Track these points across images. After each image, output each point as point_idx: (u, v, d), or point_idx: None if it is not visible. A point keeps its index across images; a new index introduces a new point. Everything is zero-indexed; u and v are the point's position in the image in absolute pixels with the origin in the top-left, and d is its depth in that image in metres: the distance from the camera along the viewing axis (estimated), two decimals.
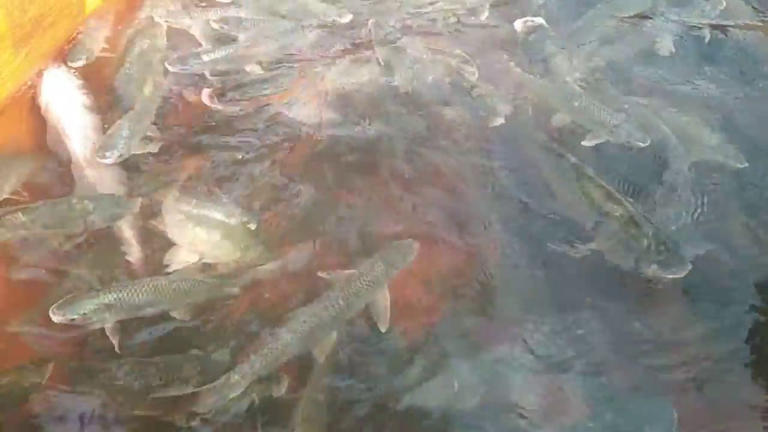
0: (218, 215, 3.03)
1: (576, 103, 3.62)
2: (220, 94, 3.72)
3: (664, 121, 3.58)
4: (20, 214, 2.97)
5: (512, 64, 3.94)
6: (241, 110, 3.68)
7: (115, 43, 4.03)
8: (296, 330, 2.60)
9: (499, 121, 3.57)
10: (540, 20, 4.30)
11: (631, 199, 3.17)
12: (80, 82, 3.70)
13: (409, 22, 4.36)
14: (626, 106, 3.66)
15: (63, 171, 3.31)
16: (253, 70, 3.92)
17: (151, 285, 2.73)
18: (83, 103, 3.59)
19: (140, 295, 2.69)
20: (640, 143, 3.42)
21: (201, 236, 2.96)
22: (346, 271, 2.83)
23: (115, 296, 2.66)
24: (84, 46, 3.86)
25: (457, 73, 3.91)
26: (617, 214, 3.05)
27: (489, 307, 2.90)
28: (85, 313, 2.61)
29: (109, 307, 2.64)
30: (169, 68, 3.83)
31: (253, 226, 3.02)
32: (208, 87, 3.75)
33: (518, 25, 4.26)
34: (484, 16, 4.38)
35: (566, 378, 2.67)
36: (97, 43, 3.95)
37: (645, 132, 3.46)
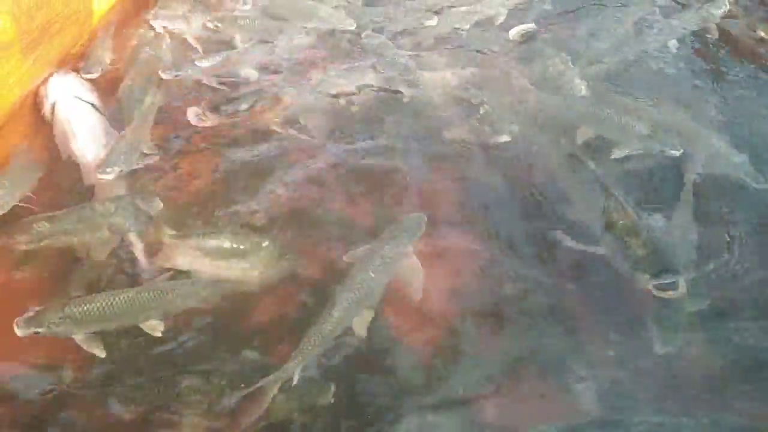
0: (229, 243, 2.97)
1: (601, 116, 3.56)
2: (211, 109, 3.60)
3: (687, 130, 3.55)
4: (44, 222, 3.00)
5: (525, 80, 3.87)
6: (234, 125, 3.59)
7: (123, 52, 4.06)
8: (342, 305, 2.64)
9: (504, 138, 3.51)
10: (533, 27, 4.28)
11: (639, 210, 3.15)
12: (87, 85, 3.74)
13: (414, 30, 4.35)
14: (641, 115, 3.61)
15: (73, 174, 3.34)
16: (249, 75, 3.89)
17: (119, 296, 2.70)
18: (91, 106, 3.62)
19: (108, 307, 2.67)
20: (674, 152, 3.38)
21: (220, 266, 2.91)
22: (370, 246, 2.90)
23: (81, 308, 2.64)
24: (96, 58, 3.91)
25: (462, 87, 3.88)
26: (621, 222, 3.05)
27: (496, 315, 2.89)
28: (49, 326, 2.59)
29: (74, 319, 2.62)
30: (163, 76, 3.81)
31: (265, 244, 2.99)
32: (193, 105, 3.64)
33: (513, 33, 4.25)
34: (498, 21, 4.39)
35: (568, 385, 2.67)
36: (108, 53, 3.99)
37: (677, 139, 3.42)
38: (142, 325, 2.71)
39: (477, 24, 4.39)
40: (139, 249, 2.99)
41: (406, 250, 2.92)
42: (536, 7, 4.55)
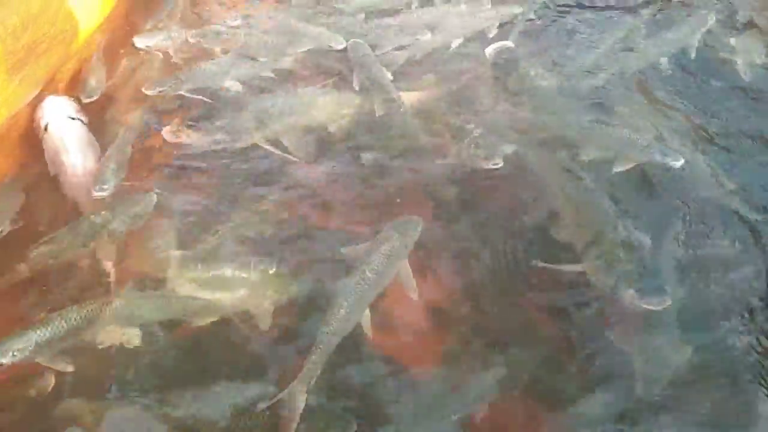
0: (235, 271, 2.92)
1: (601, 132, 3.55)
2: (187, 126, 3.55)
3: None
4: (45, 245, 2.98)
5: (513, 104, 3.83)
6: (215, 142, 3.51)
7: (114, 71, 4.07)
8: (348, 306, 2.69)
9: (498, 162, 3.40)
10: (509, 44, 4.27)
11: (628, 224, 3.10)
12: (77, 105, 3.75)
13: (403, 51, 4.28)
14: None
15: (60, 193, 3.32)
16: (232, 88, 3.87)
17: (80, 313, 2.66)
18: (82, 123, 3.63)
19: (72, 325, 2.62)
20: (675, 163, 3.36)
21: (227, 296, 2.86)
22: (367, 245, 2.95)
23: (44, 331, 2.59)
24: (96, 81, 3.93)
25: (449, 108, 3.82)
26: (608, 236, 3.01)
27: (481, 333, 2.86)
28: (14, 355, 2.53)
29: (39, 343, 2.57)
30: (146, 92, 3.79)
31: (272, 270, 2.95)
32: (169, 122, 3.59)
33: (489, 51, 4.22)
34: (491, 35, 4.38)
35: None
36: (104, 74, 4.01)
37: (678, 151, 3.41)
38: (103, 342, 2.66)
39: (467, 39, 4.37)
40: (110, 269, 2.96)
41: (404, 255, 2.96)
42: (521, 22, 4.53)
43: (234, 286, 2.87)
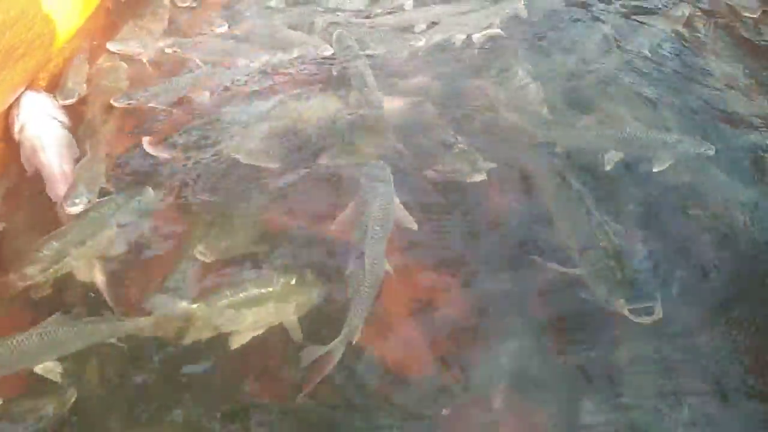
0: (258, 289, 2.84)
1: (626, 136, 3.51)
2: (165, 139, 3.49)
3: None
4: (53, 241, 2.93)
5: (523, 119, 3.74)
6: (189, 156, 3.45)
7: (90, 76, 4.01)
8: (374, 259, 2.87)
9: (480, 177, 3.33)
10: (498, 31, 4.29)
11: (622, 231, 3.09)
12: (57, 104, 3.74)
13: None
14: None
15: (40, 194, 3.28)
16: (202, 101, 3.80)
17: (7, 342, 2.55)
18: (60, 123, 3.61)
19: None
20: (709, 152, 3.40)
21: (256, 315, 2.80)
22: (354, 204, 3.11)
23: None
24: (73, 84, 3.88)
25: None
26: (603, 244, 2.99)
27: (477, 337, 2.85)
28: None
29: None
30: (114, 104, 3.72)
31: (293, 281, 2.88)
32: (148, 135, 3.53)
33: (477, 36, 4.24)
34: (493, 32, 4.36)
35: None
36: (84, 78, 3.97)
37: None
38: (37, 369, 2.58)
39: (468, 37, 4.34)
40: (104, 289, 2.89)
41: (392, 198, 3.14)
42: (510, 19, 4.52)
43: (260, 303, 2.81)
